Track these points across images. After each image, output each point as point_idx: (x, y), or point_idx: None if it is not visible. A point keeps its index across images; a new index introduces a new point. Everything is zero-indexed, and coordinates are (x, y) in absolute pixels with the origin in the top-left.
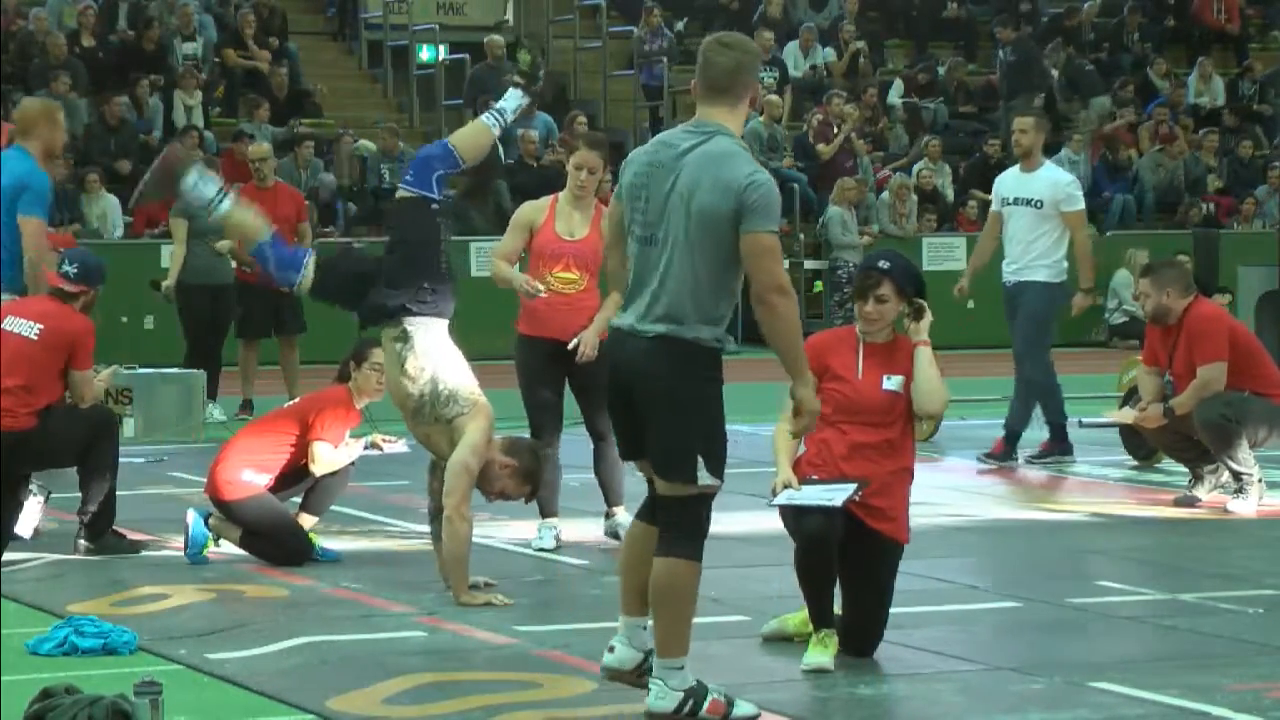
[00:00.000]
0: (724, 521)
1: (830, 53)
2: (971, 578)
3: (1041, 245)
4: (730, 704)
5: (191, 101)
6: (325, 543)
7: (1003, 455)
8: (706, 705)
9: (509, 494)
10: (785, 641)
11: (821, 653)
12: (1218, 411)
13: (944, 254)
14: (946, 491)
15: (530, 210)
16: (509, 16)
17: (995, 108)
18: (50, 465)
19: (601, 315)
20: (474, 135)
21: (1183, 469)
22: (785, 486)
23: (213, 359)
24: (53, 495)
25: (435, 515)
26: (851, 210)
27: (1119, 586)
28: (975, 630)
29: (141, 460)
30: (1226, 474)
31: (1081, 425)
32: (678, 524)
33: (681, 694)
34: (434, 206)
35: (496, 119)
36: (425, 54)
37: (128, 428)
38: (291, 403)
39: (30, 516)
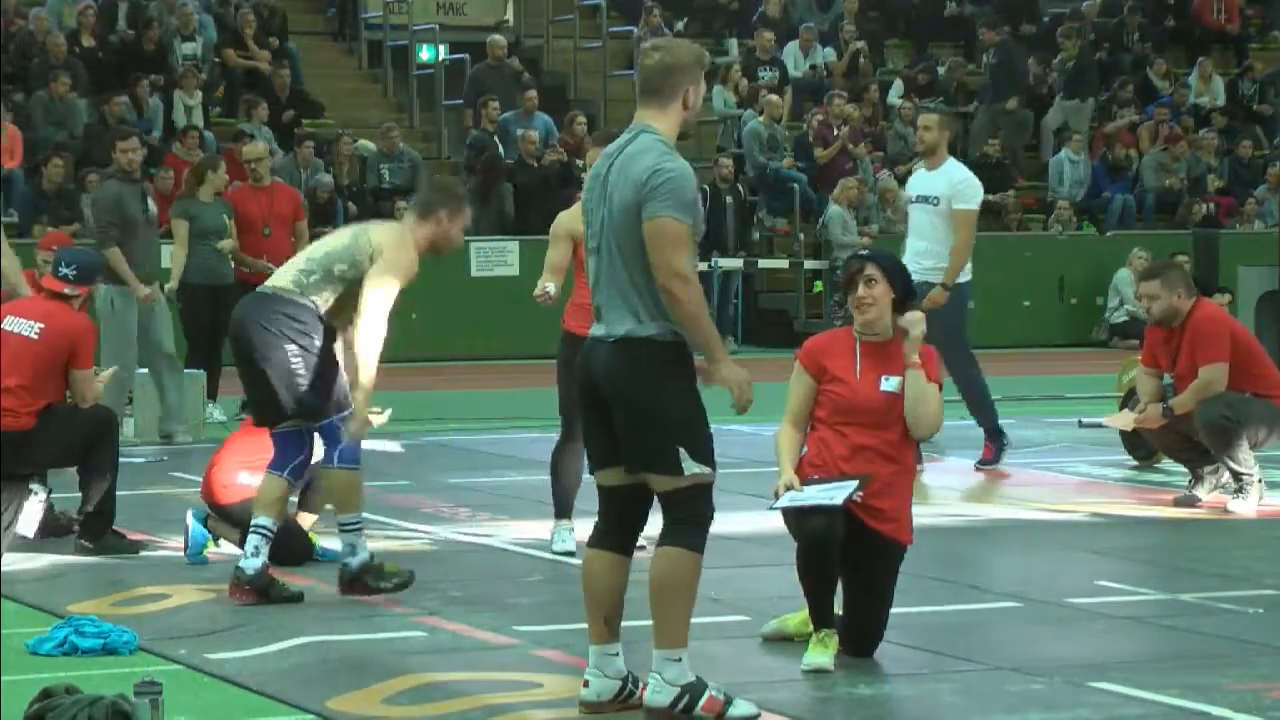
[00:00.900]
0: (725, 521)
1: (830, 53)
2: (972, 578)
3: (944, 244)
4: (729, 703)
5: (191, 102)
6: (325, 543)
7: (995, 456)
8: (702, 702)
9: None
10: (785, 641)
11: (821, 653)
12: (1219, 412)
13: None
14: (946, 491)
15: (569, 220)
16: (509, 16)
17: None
18: (50, 465)
19: None
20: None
21: (1183, 469)
22: (788, 488)
23: (213, 359)
24: (53, 494)
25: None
26: (852, 210)
27: (1119, 586)
28: (975, 630)
29: (141, 460)
30: (1226, 474)
31: (1081, 425)
32: (677, 516)
33: (678, 689)
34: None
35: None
36: (425, 54)
37: (128, 428)
38: None
39: (31, 516)
